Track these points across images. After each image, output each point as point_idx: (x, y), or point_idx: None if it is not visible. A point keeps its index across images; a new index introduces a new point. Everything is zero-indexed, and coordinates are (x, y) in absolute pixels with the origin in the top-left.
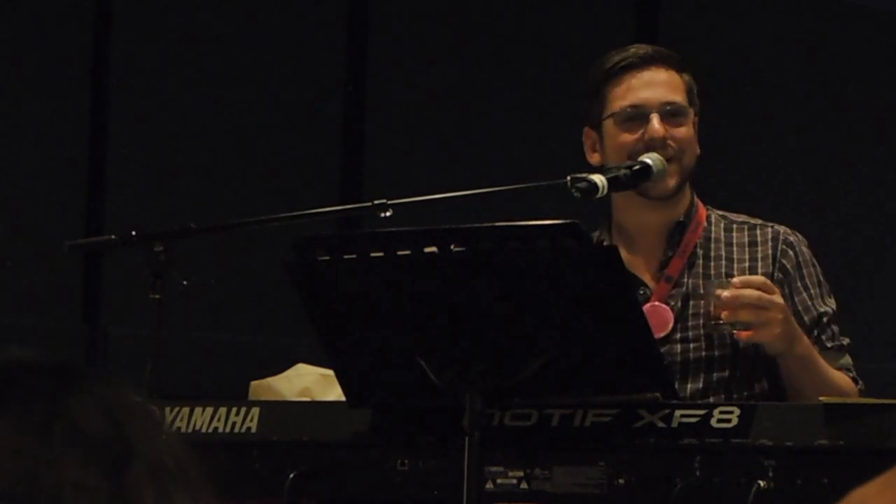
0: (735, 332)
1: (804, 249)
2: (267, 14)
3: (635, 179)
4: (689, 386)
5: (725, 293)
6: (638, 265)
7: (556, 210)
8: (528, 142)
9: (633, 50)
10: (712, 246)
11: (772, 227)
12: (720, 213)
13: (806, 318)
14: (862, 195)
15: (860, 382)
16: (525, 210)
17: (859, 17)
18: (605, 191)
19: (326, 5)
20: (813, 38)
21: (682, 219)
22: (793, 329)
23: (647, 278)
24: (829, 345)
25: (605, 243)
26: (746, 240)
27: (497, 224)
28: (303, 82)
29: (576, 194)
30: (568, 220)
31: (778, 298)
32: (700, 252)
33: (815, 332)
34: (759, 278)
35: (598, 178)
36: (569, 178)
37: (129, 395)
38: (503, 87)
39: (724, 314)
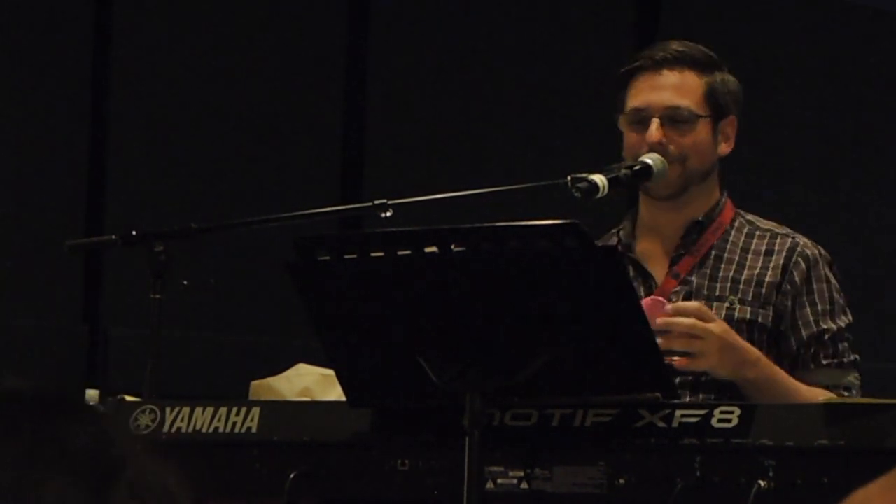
0: (671, 360)
1: (820, 265)
2: (267, 14)
3: (635, 179)
4: (677, 379)
5: (659, 320)
6: (652, 259)
7: (557, 210)
8: (528, 142)
9: (654, 50)
10: (727, 248)
11: (793, 237)
12: (750, 217)
13: (804, 333)
14: (864, 194)
15: None
16: (525, 210)
17: (859, 17)
18: (606, 191)
19: (326, 5)
20: (814, 39)
21: (700, 218)
22: (739, 355)
23: (657, 273)
24: (824, 362)
25: (621, 233)
26: (764, 247)
27: (497, 224)
28: (303, 82)
29: (576, 194)
30: (568, 220)
31: (714, 327)
32: (713, 253)
33: (813, 349)
34: (693, 305)
35: (599, 178)
36: (569, 178)
37: (119, 422)
38: (503, 88)
39: (659, 341)
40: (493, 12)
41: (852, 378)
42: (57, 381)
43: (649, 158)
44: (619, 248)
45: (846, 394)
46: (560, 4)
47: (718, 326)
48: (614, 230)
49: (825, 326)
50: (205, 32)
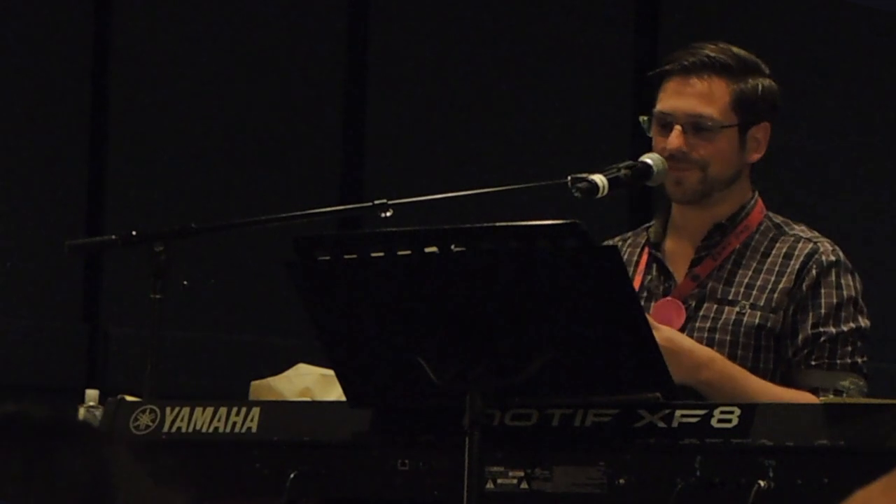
0: None
1: (833, 272)
2: (267, 14)
3: (635, 179)
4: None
5: None
6: (676, 258)
7: (557, 210)
8: (528, 142)
9: (686, 54)
10: (748, 254)
11: (815, 242)
12: (780, 220)
13: (800, 338)
14: (861, 194)
15: None
16: (525, 210)
17: (859, 17)
18: (606, 191)
19: (326, 5)
20: (813, 38)
21: (723, 221)
22: (685, 359)
23: (678, 273)
24: (813, 363)
25: (650, 231)
26: (784, 251)
27: (497, 224)
28: (303, 82)
29: (576, 194)
30: (568, 220)
31: (658, 333)
32: (733, 258)
33: (806, 351)
34: None
35: (599, 178)
36: (569, 178)
37: (117, 445)
38: (503, 87)
39: None
40: (493, 12)
41: (847, 382)
42: (57, 381)
43: (649, 158)
44: (648, 245)
45: (832, 396)
46: (560, 5)
47: (659, 334)
48: (645, 226)
49: (822, 330)
50: (205, 32)
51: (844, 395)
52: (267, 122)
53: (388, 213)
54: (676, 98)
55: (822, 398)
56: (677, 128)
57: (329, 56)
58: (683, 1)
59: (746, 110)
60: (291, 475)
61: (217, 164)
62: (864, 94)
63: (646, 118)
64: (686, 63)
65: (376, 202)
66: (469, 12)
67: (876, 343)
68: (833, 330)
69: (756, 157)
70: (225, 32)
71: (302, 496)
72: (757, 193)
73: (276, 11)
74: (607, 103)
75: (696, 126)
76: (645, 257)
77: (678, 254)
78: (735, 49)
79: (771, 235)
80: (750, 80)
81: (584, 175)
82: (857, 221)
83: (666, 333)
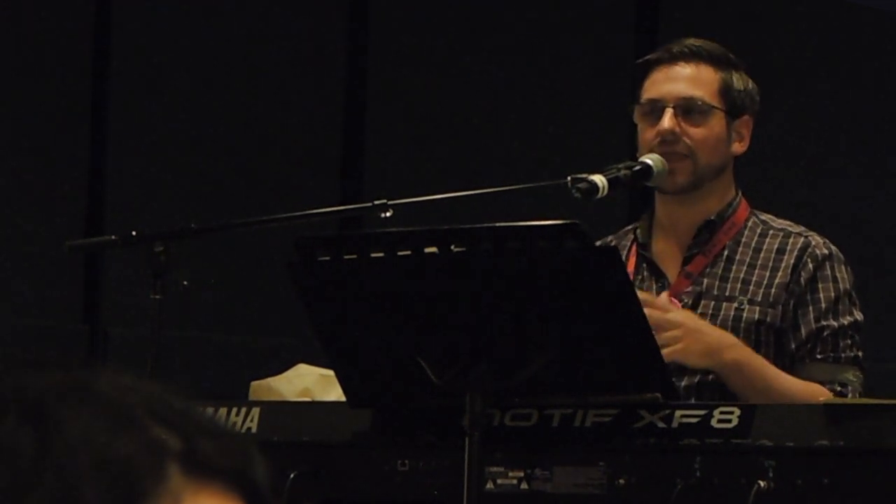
0: None
1: (828, 264)
2: (267, 14)
3: (635, 179)
4: (683, 383)
5: None
6: (666, 257)
7: (557, 210)
8: (528, 142)
9: (671, 44)
10: (740, 250)
11: (806, 237)
12: (765, 216)
13: (803, 332)
14: (861, 194)
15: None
16: (525, 210)
17: (859, 17)
18: (606, 191)
19: (326, 5)
20: (813, 39)
21: (713, 217)
22: (711, 340)
23: (671, 272)
24: (819, 356)
25: (638, 231)
26: (776, 246)
27: (497, 224)
28: (303, 82)
29: (576, 195)
30: (568, 220)
31: (675, 315)
32: (725, 254)
33: (810, 345)
34: (647, 296)
35: (599, 178)
36: (569, 178)
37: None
38: (504, 87)
39: None
40: (493, 12)
41: (850, 375)
42: None
43: (649, 159)
44: (636, 246)
45: (839, 389)
46: (560, 4)
47: (677, 313)
48: (630, 227)
49: (825, 323)
50: (205, 32)
51: (849, 387)
52: (267, 122)
53: (388, 213)
54: (665, 83)
55: (823, 398)
56: (669, 110)
57: (329, 56)
58: (683, 1)
59: (732, 100)
60: (291, 475)
61: (217, 164)
62: (864, 94)
63: (633, 107)
64: (674, 51)
65: (376, 202)
66: (469, 13)
67: (876, 342)
68: (835, 323)
69: (740, 149)
70: (225, 33)
71: (302, 496)
72: (741, 192)
73: (277, 11)
74: (607, 103)
75: (686, 108)
76: (633, 259)
77: (668, 253)
78: (716, 44)
79: (759, 231)
80: (734, 73)
81: (584, 175)
82: (858, 220)
83: (685, 312)
